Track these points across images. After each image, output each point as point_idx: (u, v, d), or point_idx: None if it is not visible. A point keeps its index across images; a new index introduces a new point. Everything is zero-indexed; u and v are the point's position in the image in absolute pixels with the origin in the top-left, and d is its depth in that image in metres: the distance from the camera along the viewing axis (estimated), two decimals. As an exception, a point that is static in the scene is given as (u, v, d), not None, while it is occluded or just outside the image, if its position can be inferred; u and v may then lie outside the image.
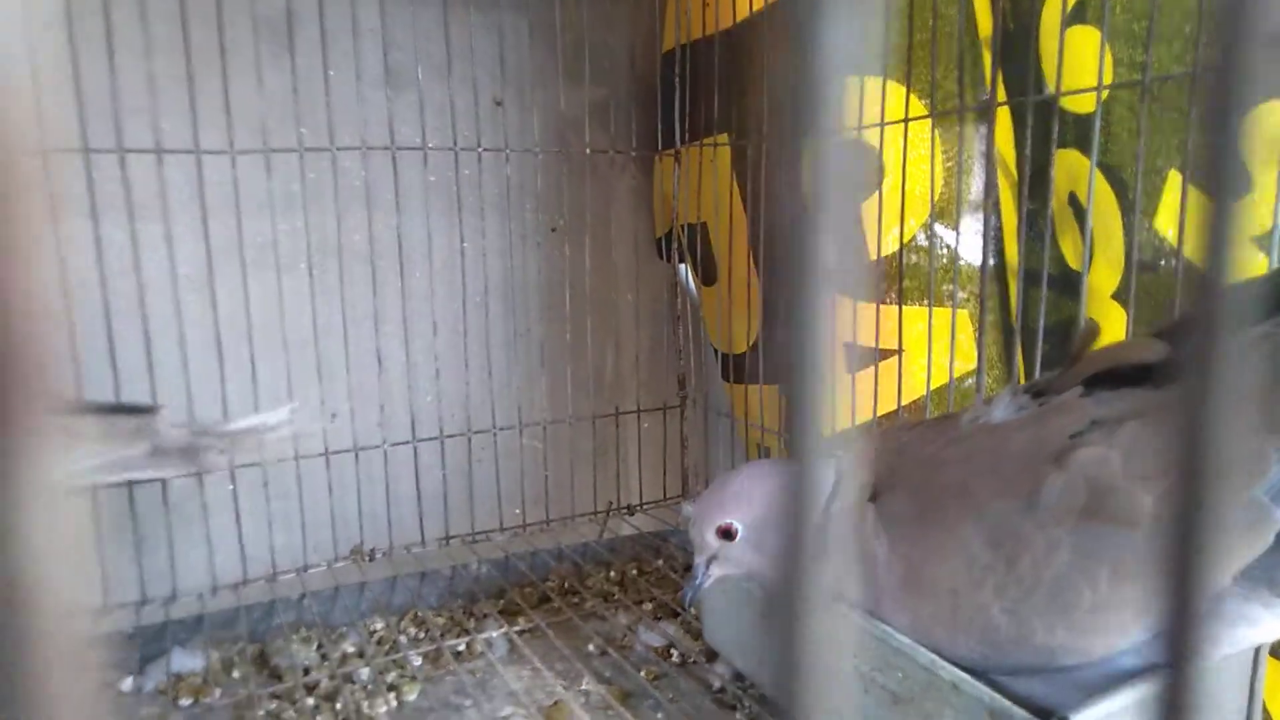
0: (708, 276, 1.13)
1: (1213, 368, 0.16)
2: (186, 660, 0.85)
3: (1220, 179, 0.16)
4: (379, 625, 0.93)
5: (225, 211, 0.91)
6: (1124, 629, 0.48)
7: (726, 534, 0.63)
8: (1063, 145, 0.68)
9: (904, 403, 0.86)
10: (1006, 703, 0.48)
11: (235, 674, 0.84)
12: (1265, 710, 0.63)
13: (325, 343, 0.98)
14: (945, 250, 0.85)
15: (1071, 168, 0.68)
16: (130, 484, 0.91)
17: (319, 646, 0.89)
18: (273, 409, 0.75)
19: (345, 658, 0.87)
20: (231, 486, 0.96)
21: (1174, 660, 0.17)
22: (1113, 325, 0.68)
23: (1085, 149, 0.65)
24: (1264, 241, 0.57)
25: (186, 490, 0.95)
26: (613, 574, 1.04)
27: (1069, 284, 0.69)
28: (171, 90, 0.89)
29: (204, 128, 0.90)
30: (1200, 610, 0.17)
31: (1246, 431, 0.45)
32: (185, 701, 0.80)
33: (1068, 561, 0.48)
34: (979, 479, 0.53)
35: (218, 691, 0.81)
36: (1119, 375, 0.53)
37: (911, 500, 0.57)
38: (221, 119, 0.90)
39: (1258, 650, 0.57)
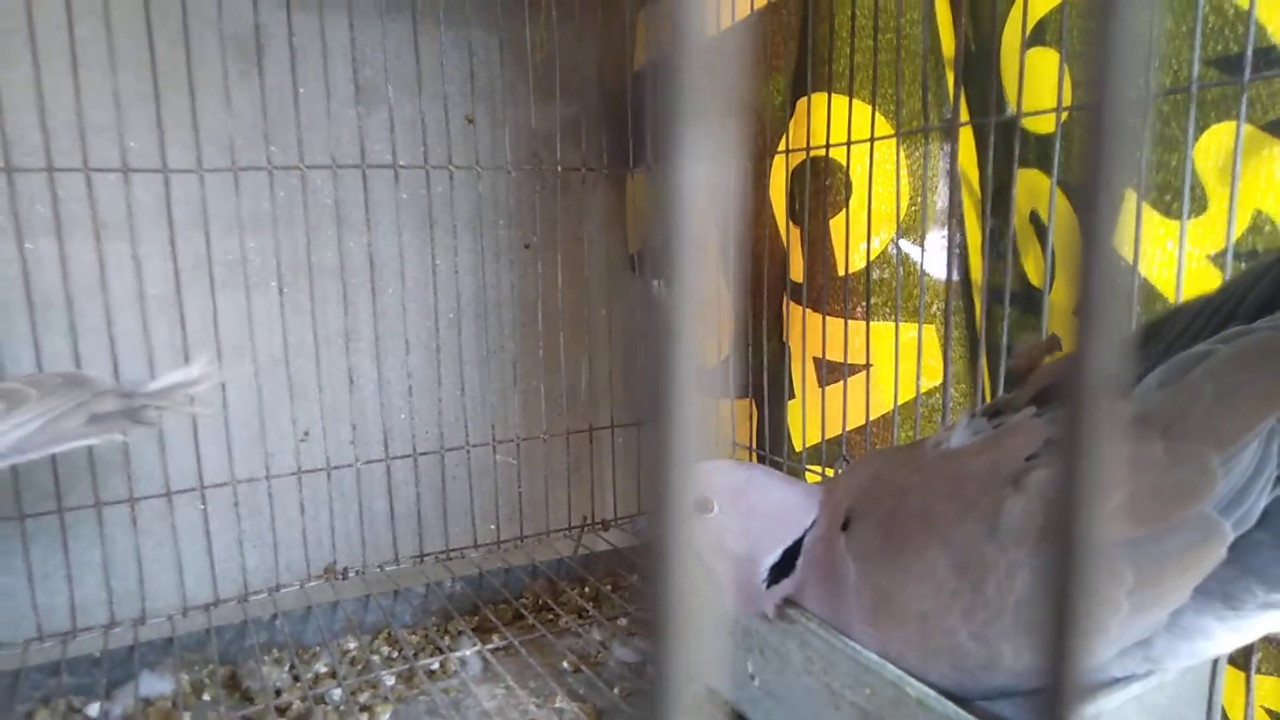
0: (680, 291, 1.14)
1: (1082, 445, 0.16)
2: (155, 684, 0.84)
3: (1093, 229, 0.16)
4: (352, 645, 0.92)
5: (193, 230, 0.91)
6: (1088, 649, 0.49)
7: (703, 508, 0.65)
8: (1024, 164, 0.69)
9: (871, 417, 0.87)
10: (971, 718, 0.49)
11: (205, 697, 0.84)
12: (1226, 717, 0.64)
13: (296, 361, 0.98)
14: (912, 266, 0.86)
15: (1033, 186, 0.69)
16: (99, 504, 0.90)
17: (291, 667, 0.88)
18: (190, 368, 0.76)
19: (318, 678, 0.86)
20: (203, 506, 0.96)
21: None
22: (1071, 340, 0.69)
23: (1046, 168, 0.66)
24: (1219, 260, 0.58)
25: (156, 511, 0.94)
26: (587, 590, 1.04)
27: (1032, 300, 0.70)
28: (138, 108, 0.88)
29: (171, 146, 0.89)
30: (1077, 679, 0.16)
31: (1191, 446, 0.46)
32: (154, 726, 0.79)
33: (1030, 584, 0.49)
34: (942, 505, 0.54)
35: (187, 715, 0.80)
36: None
37: (879, 528, 0.57)
38: (189, 137, 0.90)
39: (1215, 660, 0.58)
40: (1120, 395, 0.15)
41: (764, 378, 1.00)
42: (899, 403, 0.86)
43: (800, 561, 0.63)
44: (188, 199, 0.91)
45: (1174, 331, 0.52)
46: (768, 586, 0.64)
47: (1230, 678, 0.62)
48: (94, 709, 0.82)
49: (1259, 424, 0.44)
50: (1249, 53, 0.53)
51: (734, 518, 0.65)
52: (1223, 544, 0.45)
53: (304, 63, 0.96)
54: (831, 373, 0.92)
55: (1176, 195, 0.59)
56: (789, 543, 0.63)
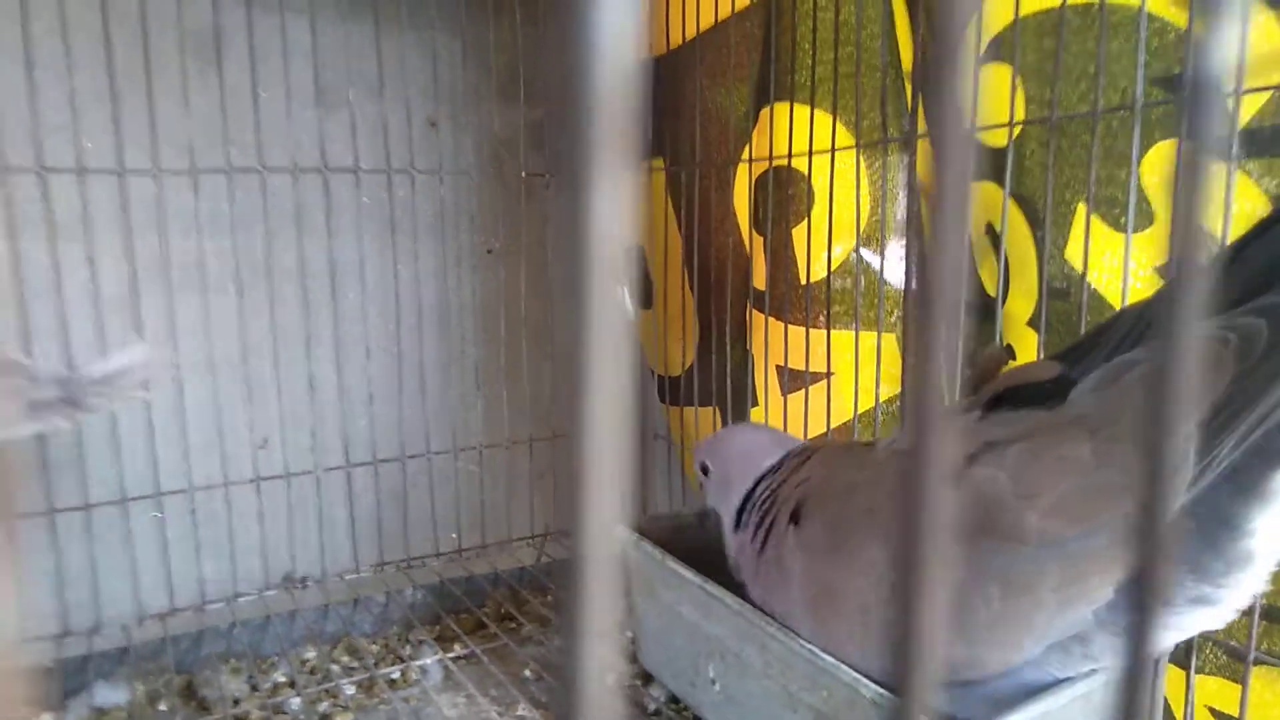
0: (644, 299, 1.14)
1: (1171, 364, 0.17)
2: (110, 694, 0.83)
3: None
4: (311, 654, 0.91)
5: (150, 232, 0.90)
6: (1018, 643, 0.50)
7: (704, 470, 0.75)
8: (979, 177, 0.71)
9: (832, 426, 0.88)
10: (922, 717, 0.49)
11: (162, 706, 0.82)
12: (1169, 711, 0.65)
13: (255, 366, 0.97)
14: (873, 275, 0.87)
15: (988, 199, 0.71)
16: (51, 511, 0.89)
17: (249, 677, 0.87)
18: (128, 355, 0.75)
19: (276, 688, 0.86)
20: (159, 514, 0.94)
21: (1134, 650, 0.17)
22: (1027, 351, 0.70)
23: (1000, 181, 0.67)
24: (1165, 272, 0.60)
25: (110, 519, 0.92)
26: (550, 598, 1.04)
27: (987, 311, 0.72)
28: (94, 108, 0.87)
29: (128, 147, 0.88)
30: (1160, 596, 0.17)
31: (1121, 448, 0.47)
32: (106, 738, 0.77)
33: (963, 578, 0.50)
34: (885, 501, 0.56)
35: (140, 726, 0.79)
36: (1020, 396, 0.55)
37: (826, 523, 0.59)
38: (146, 138, 0.88)
39: (1157, 661, 0.60)
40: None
41: (728, 385, 1.00)
42: (859, 411, 0.87)
43: (743, 520, 0.67)
44: (145, 200, 0.89)
45: (1118, 336, 0.54)
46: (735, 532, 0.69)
47: (1173, 677, 0.64)
48: (47, 719, 0.80)
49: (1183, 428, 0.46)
50: (1189, 72, 0.55)
51: (717, 474, 0.73)
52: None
53: (264, 64, 0.95)
54: (794, 381, 0.93)
55: (1125, 209, 0.60)
56: (750, 485, 0.67)
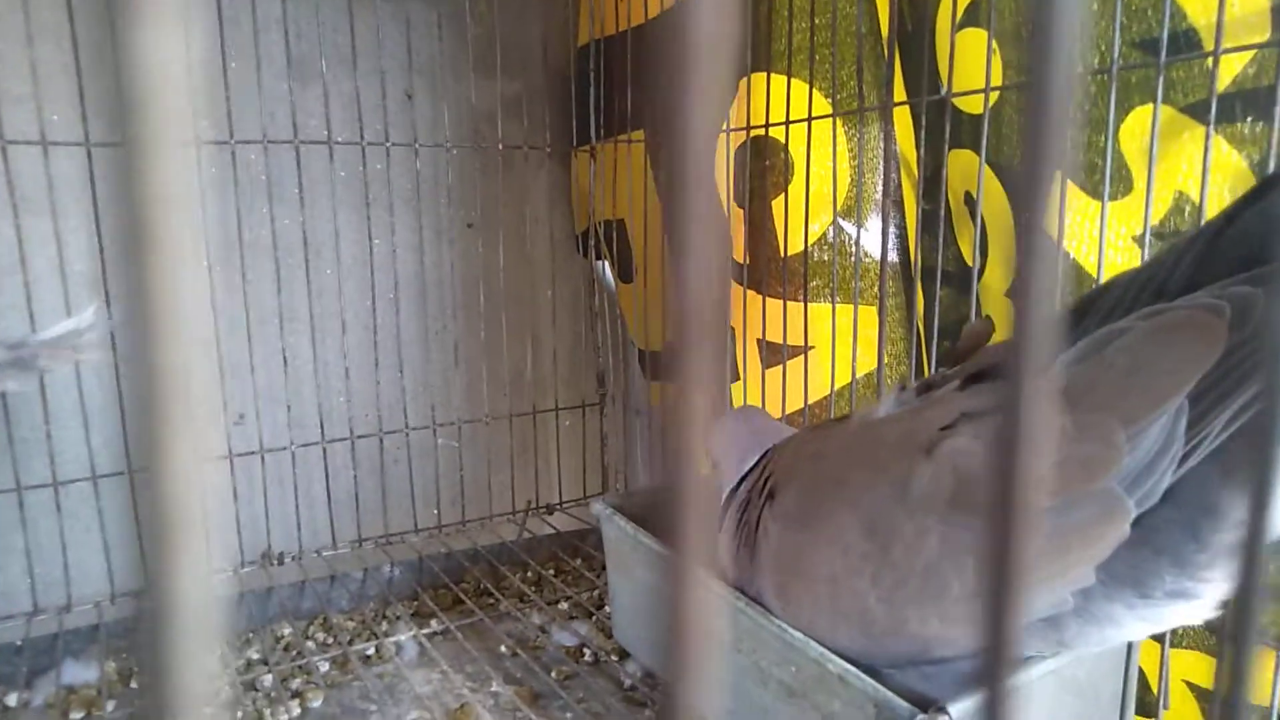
0: (625, 273, 1.13)
1: (1020, 407, 0.16)
2: (80, 672, 0.82)
3: (1029, 196, 0.16)
4: (286, 631, 0.91)
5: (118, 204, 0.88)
6: None
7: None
8: (957, 145, 0.69)
9: (810, 400, 0.87)
10: (889, 694, 0.49)
11: (133, 684, 0.82)
12: (1145, 680, 0.65)
13: (229, 342, 0.95)
14: (851, 248, 0.86)
15: (965, 167, 0.69)
16: (20, 488, 0.88)
17: (221, 654, 0.86)
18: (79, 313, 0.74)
19: (249, 665, 0.85)
20: (130, 491, 0.93)
21: (989, 677, 0.16)
22: (1007, 322, 0.69)
23: (977, 149, 0.66)
24: (1142, 240, 0.59)
25: (82, 494, 0.91)
26: (529, 574, 1.03)
27: (966, 281, 0.70)
28: (58, 79, 0.85)
29: (94, 118, 0.86)
30: (1017, 631, 0.16)
31: (1098, 419, 0.46)
32: (76, 715, 0.77)
33: (936, 551, 0.49)
34: (855, 471, 0.54)
35: (111, 704, 0.78)
36: (1001, 370, 0.54)
37: (799, 495, 0.58)
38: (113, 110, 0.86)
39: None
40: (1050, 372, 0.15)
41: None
42: (837, 385, 0.86)
43: (723, 524, 0.65)
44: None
45: (1105, 307, 0.52)
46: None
47: (1149, 649, 0.63)
48: (12, 699, 0.79)
49: (1167, 401, 0.45)
50: (1164, 35, 0.54)
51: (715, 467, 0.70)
52: (1125, 519, 0.45)
53: (234, 34, 0.93)
54: (773, 355, 0.92)
55: (1103, 176, 0.59)
56: (734, 485, 0.65)
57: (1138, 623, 0.48)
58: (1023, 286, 0.16)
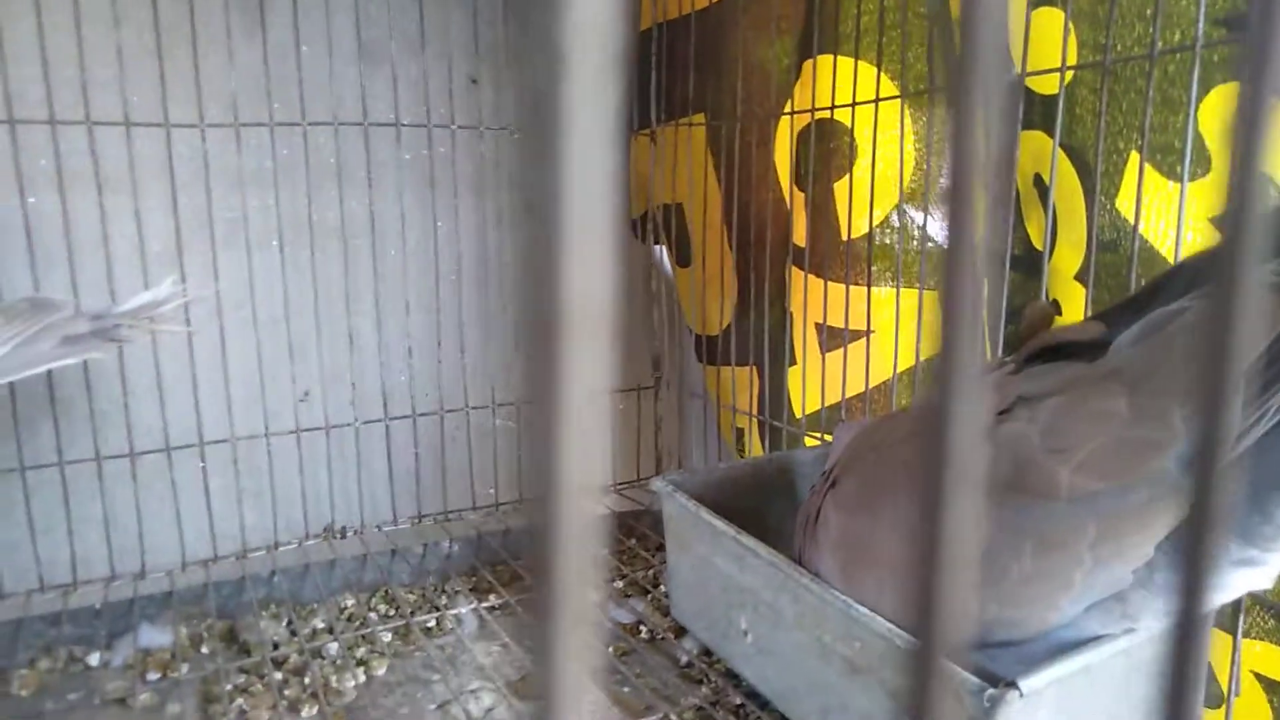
0: (683, 257, 1.14)
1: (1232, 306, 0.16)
2: (155, 636, 0.85)
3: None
4: (349, 602, 0.93)
5: (195, 186, 0.91)
6: (1054, 603, 0.49)
7: None
8: (1028, 126, 0.69)
9: (872, 384, 0.87)
10: (960, 670, 0.49)
11: (204, 649, 0.84)
12: (1212, 674, 0.64)
13: (296, 321, 0.98)
14: (916, 232, 0.86)
15: (1037, 149, 0.68)
16: (99, 458, 0.91)
17: (288, 623, 0.89)
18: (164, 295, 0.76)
19: (315, 633, 0.87)
20: (201, 464, 0.96)
21: (1184, 606, 0.17)
22: (1075, 306, 0.68)
23: (1050, 130, 0.65)
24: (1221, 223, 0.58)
25: (155, 467, 0.94)
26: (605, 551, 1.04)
27: (1035, 265, 0.70)
28: (140, 63, 0.88)
29: (173, 101, 0.89)
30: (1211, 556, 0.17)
31: (1155, 402, 0.46)
32: (153, 675, 0.79)
33: (995, 534, 0.49)
34: (916, 456, 0.54)
35: (185, 666, 0.80)
36: (1059, 352, 0.54)
37: (862, 482, 0.58)
38: (191, 92, 0.89)
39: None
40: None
41: (766, 344, 1.00)
42: (899, 370, 0.86)
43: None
44: (190, 155, 0.91)
45: (1172, 294, 0.52)
46: None
47: (1218, 639, 0.62)
48: (94, 658, 0.82)
49: None
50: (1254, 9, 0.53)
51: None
52: (1185, 501, 0.45)
53: (307, 20, 0.95)
54: (833, 339, 0.92)
55: (1180, 156, 0.58)
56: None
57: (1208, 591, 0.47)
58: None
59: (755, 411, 1.04)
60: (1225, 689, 0.63)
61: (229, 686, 0.76)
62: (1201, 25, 0.55)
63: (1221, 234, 0.16)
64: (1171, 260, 0.61)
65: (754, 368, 1.04)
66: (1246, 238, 0.16)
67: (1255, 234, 0.16)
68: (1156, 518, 0.46)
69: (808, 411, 0.97)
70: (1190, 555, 0.17)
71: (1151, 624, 0.50)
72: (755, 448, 1.04)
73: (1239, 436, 0.45)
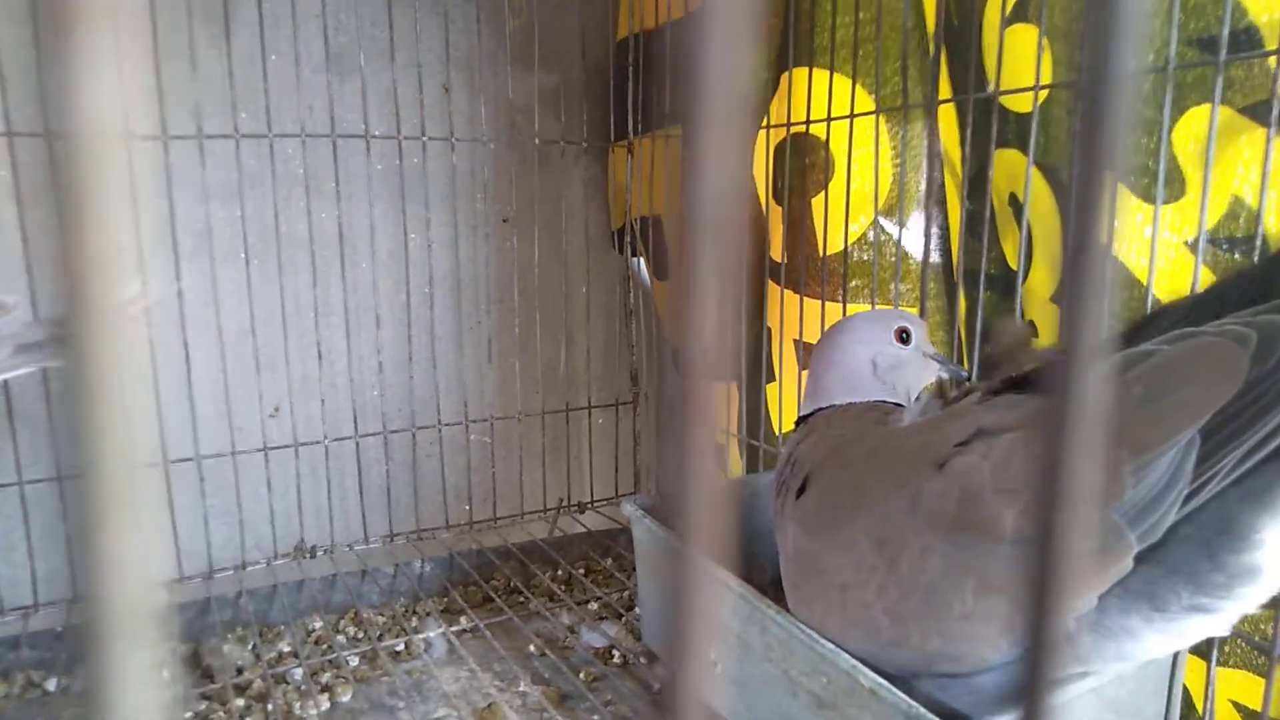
0: (662, 270, 1.12)
1: (1072, 397, 0.15)
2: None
3: (1082, 201, 0.15)
4: (317, 624, 0.91)
5: (157, 198, 0.89)
6: (993, 642, 0.48)
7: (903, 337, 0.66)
8: (1003, 144, 0.67)
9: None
10: (923, 711, 0.47)
11: (164, 674, 0.82)
12: (1189, 700, 0.63)
13: (264, 334, 0.96)
14: (892, 248, 0.84)
15: (1012, 167, 0.67)
16: (60, 477, 0.89)
17: (253, 646, 0.87)
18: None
19: (280, 657, 0.85)
20: (166, 481, 0.94)
21: (1030, 684, 0.16)
22: (1050, 327, 0.67)
23: (1025, 148, 0.64)
24: (1196, 246, 0.56)
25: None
26: (559, 573, 1.02)
27: (1011, 284, 0.68)
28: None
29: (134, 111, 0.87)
30: (1057, 634, 0.16)
31: (1102, 453, 0.44)
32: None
33: (940, 568, 0.48)
34: (874, 480, 0.54)
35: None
36: (1030, 383, 0.52)
37: (821, 497, 0.57)
38: (153, 102, 0.87)
39: (1176, 654, 0.57)
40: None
41: (744, 361, 0.98)
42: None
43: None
44: (151, 166, 0.88)
45: (1158, 332, 0.50)
46: None
47: (1195, 668, 0.61)
48: (52, 684, 0.80)
49: (1177, 435, 0.43)
50: (1225, 32, 0.51)
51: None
52: (1127, 554, 0.44)
53: (274, 29, 0.93)
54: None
55: (1155, 179, 0.57)
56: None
57: (1155, 636, 0.46)
58: (1072, 307, 0.15)
59: (732, 429, 1.02)
60: (1201, 715, 0.62)
61: (189, 714, 0.74)
62: (1174, 47, 0.54)
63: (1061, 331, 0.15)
64: (1144, 282, 0.59)
65: (733, 384, 1.02)
66: (1088, 329, 0.14)
67: (1096, 320, 0.14)
68: (1100, 570, 0.44)
69: (786, 430, 0.95)
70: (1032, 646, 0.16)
71: (1104, 667, 0.48)
72: (735, 466, 1.03)
73: (1189, 496, 0.43)
